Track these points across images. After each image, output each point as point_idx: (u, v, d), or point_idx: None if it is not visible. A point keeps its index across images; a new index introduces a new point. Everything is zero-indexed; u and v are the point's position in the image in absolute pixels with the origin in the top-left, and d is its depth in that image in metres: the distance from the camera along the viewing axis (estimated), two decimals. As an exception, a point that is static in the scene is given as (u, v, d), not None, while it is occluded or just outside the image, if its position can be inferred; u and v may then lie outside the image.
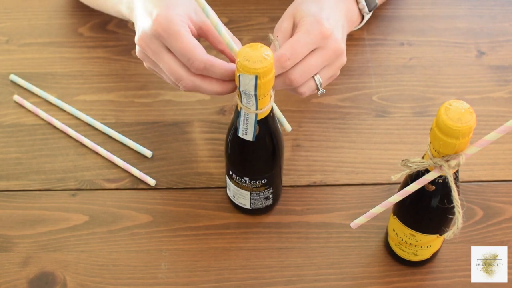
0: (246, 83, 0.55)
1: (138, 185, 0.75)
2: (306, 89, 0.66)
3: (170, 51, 0.62)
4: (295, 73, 0.63)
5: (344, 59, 0.68)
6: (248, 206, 0.71)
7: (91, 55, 0.87)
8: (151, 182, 0.75)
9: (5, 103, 0.82)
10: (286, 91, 0.67)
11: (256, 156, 0.65)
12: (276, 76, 0.63)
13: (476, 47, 0.88)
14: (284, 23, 0.67)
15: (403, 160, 0.58)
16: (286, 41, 0.64)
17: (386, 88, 0.84)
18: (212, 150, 0.78)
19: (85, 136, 0.79)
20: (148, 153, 0.77)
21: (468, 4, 0.93)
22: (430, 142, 0.55)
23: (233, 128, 0.63)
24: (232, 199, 0.71)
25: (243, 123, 0.60)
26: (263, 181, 0.67)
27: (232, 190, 0.70)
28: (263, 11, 0.92)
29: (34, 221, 0.72)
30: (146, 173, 0.76)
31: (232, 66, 0.62)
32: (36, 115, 0.81)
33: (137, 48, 0.65)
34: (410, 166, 0.57)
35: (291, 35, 0.67)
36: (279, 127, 0.65)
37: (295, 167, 0.77)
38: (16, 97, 0.82)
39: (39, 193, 0.75)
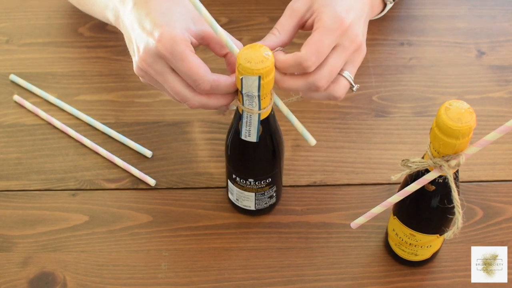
0: (249, 85, 0.55)
1: (138, 185, 0.75)
2: (341, 89, 0.62)
3: (174, 72, 0.61)
4: (321, 79, 0.60)
5: (364, 51, 0.64)
6: (252, 208, 0.70)
7: (91, 55, 0.87)
8: (151, 182, 0.75)
9: (5, 103, 0.82)
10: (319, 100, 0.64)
11: (260, 156, 0.65)
12: (298, 80, 0.61)
13: (476, 47, 0.88)
14: (298, 3, 0.63)
15: (403, 160, 0.58)
16: (309, 40, 0.60)
17: (386, 88, 0.84)
18: (212, 150, 0.78)
19: (85, 136, 0.79)
20: (148, 153, 0.77)
21: (468, 4, 0.93)
22: (430, 142, 0.55)
23: (234, 132, 0.63)
24: (236, 202, 0.71)
25: (246, 125, 0.60)
26: (267, 181, 0.67)
27: (236, 194, 0.70)
28: (263, 11, 0.92)
29: (34, 221, 0.72)
30: (146, 173, 0.76)
31: (234, 79, 0.61)
32: (36, 115, 0.81)
33: (136, 67, 0.63)
34: (410, 166, 0.57)
35: (302, 16, 0.63)
36: (279, 127, 0.65)
37: (295, 167, 0.77)
38: (16, 97, 0.82)
39: (39, 193, 0.75)
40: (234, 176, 0.67)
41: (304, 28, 0.64)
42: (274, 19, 0.90)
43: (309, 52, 0.59)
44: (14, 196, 0.74)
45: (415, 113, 0.81)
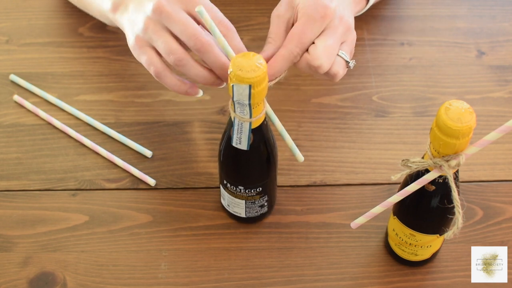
0: (240, 93, 0.55)
1: (138, 185, 0.75)
2: (338, 68, 0.64)
3: (169, 30, 0.62)
4: (321, 59, 0.62)
5: (354, 34, 0.67)
6: (243, 215, 0.70)
7: (91, 55, 0.87)
8: (151, 182, 0.75)
9: (5, 103, 0.82)
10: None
11: (251, 164, 0.65)
12: (301, 62, 0.63)
13: (476, 47, 0.88)
14: (281, 7, 0.66)
15: (403, 160, 0.58)
16: (291, 32, 0.63)
17: (386, 88, 0.84)
18: (212, 150, 0.78)
19: (85, 136, 0.79)
20: (148, 153, 0.77)
21: (468, 4, 0.93)
22: (430, 142, 0.55)
23: (227, 138, 0.63)
24: (227, 208, 0.71)
25: (237, 133, 0.60)
26: (258, 190, 0.67)
27: (227, 199, 0.69)
28: (263, 11, 0.92)
29: (34, 221, 0.72)
30: (146, 173, 0.76)
31: (225, 60, 0.62)
32: (36, 115, 0.81)
33: (134, 40, 0.64)
34: (410, 166, 0.57)
35: (288, 20, 0.65)
36: (274, 137, 0.65)
37: (295, 167, 0.77)
38: (16, 97, 0.82)
39: (39, 193, 0.75)
40: (225, 181, 0.67)
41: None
42: (274, 19, 0.90)
43: (293, 44, 0.62)
44: (14, 196, 0.74)
45: (415, 113, 0.81)
